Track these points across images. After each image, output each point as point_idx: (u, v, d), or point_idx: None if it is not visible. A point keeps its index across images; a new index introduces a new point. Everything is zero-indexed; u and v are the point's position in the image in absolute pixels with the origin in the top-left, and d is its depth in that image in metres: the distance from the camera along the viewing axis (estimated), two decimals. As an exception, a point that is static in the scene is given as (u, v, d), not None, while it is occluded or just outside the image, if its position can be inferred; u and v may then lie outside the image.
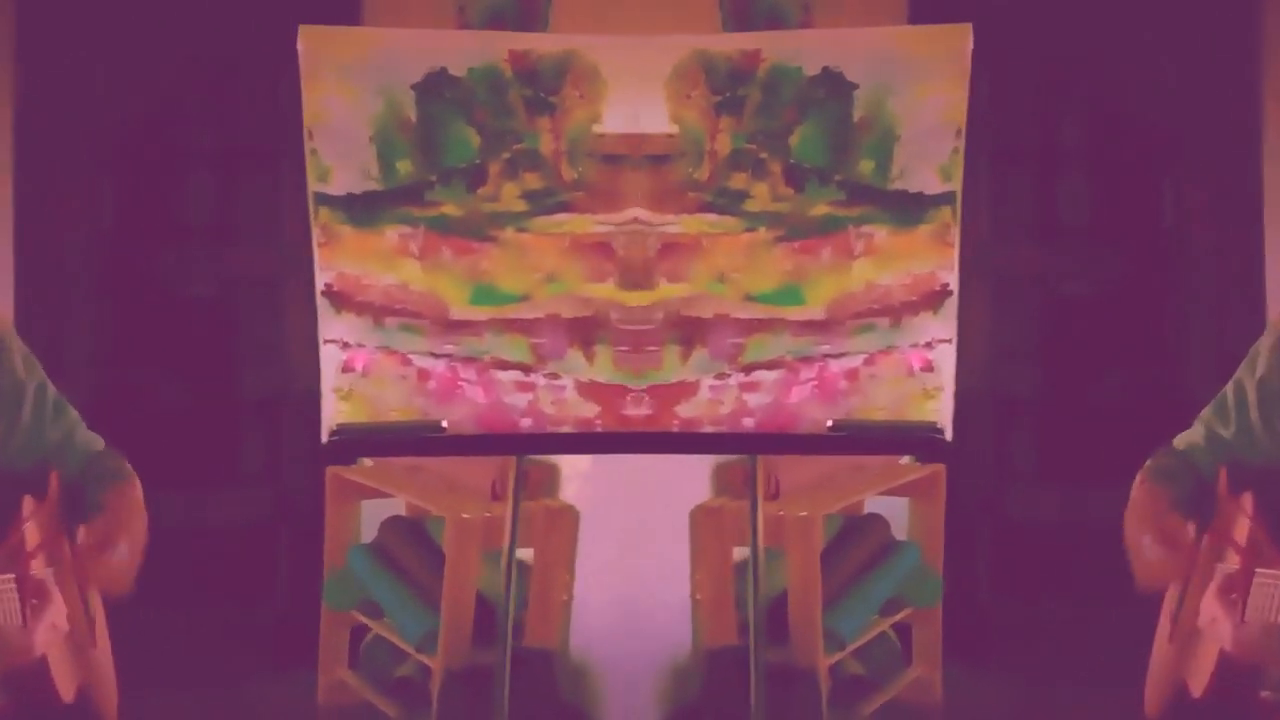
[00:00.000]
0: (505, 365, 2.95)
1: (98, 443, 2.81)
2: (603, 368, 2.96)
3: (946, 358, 2.92)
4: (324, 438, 2.87)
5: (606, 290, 2.96)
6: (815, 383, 2.95)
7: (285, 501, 4.27)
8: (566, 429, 2.94)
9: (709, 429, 2.95)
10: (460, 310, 2.95)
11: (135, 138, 4.01)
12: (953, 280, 2.91)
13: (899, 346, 2.93)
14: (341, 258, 2.93)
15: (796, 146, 2.93)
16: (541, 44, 2.97)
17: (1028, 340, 3.23)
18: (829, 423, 2.93)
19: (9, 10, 3.63)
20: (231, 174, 3.74)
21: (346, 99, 2.91)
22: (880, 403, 2.93)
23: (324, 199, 2.92)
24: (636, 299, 2.95)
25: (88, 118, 3.89)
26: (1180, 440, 2.83)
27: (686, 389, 2.97)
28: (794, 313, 2.95)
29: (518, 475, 3.11)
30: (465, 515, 3.73)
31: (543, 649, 3.79)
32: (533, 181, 2.96)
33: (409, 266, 2.95)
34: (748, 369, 2.96)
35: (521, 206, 2.96)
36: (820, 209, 2.94)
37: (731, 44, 2.96)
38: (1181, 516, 2.70)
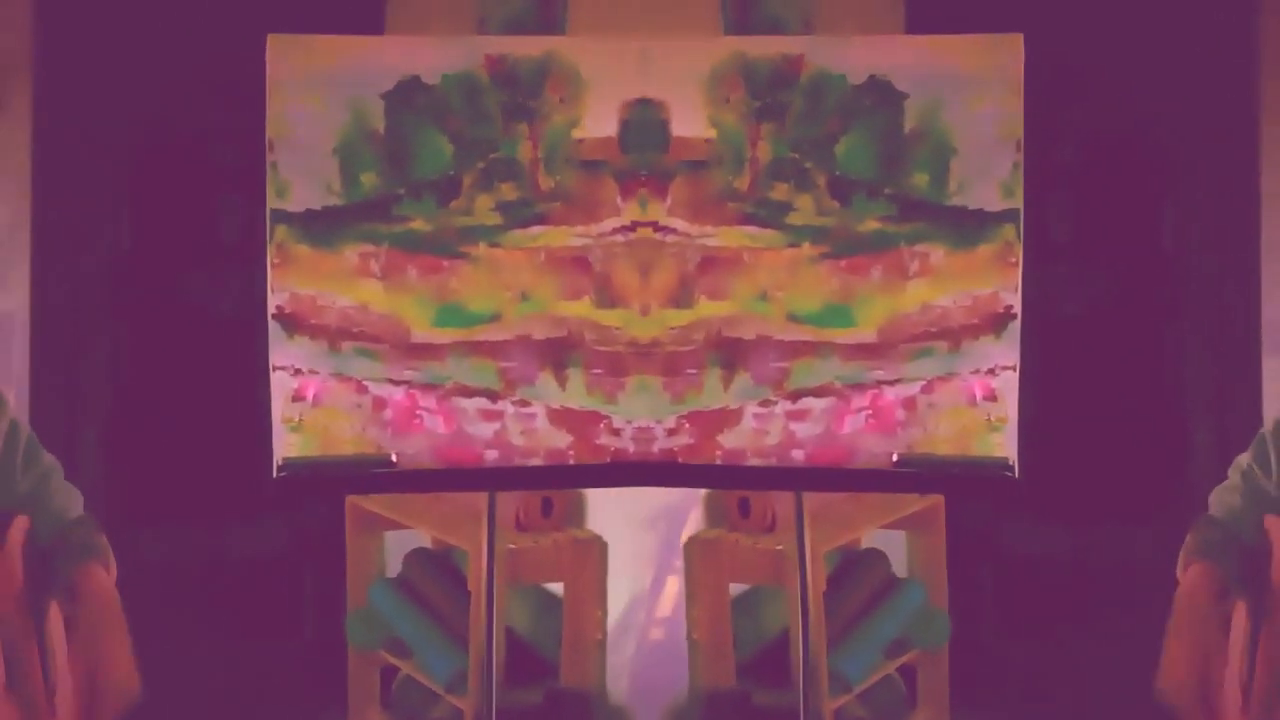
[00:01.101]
0: (469, 392, 2.76)
1: (75, 504, 2.52)
2: (575, 393, 2.77)
3: (1010, 386, 2.73)
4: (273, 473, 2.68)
5: (581, 308, 2.78)
6: (869, 412, 2.75)
7: (309, 533, 4.13)
8: (536, 461, 2.74)
9: (754, 461, 2.76)
10: (423, 333, 2.77)
11: (154, 152, 3.91)
12: (1016, 302, 2.73)
13: (959, 373, 2.74)
14: (296, 279, 2.75)
15: (842, 157, 2.77)
16: (520, 47, 2.82)
17: (1030, 368, 3.03)
18: (894, 457, 2.74)
19: (26, 23, 3.54)
20: (256, 191, 3.57)
21: (311, 110, 2.76)
22: (942, 435, 2.74)
23: (281, 216, 2.76)
24: (674, 318, 2.79)
25: (107, 132, 3.79)
26: (1217, 503, 2.52)
27: (729, 417, 2.79)
28: (842, 335, 2.76)
29: (490, 512, 2.91)
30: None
31: (579, 690, 3.62)
32: (508, 192, 2.79)
33: (369, 287, 2.77)
34: (794, 396, 2.77)
35: (495, 219, 2.79)
36: (869, 224, 2.77)
37: (773, 47, 2.81)
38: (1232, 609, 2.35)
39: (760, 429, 2.75)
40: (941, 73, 2.75)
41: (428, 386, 2.73)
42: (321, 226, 2.74)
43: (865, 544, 3.86)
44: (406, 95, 2.76)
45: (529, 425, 2.73)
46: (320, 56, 2.76)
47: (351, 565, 3.80)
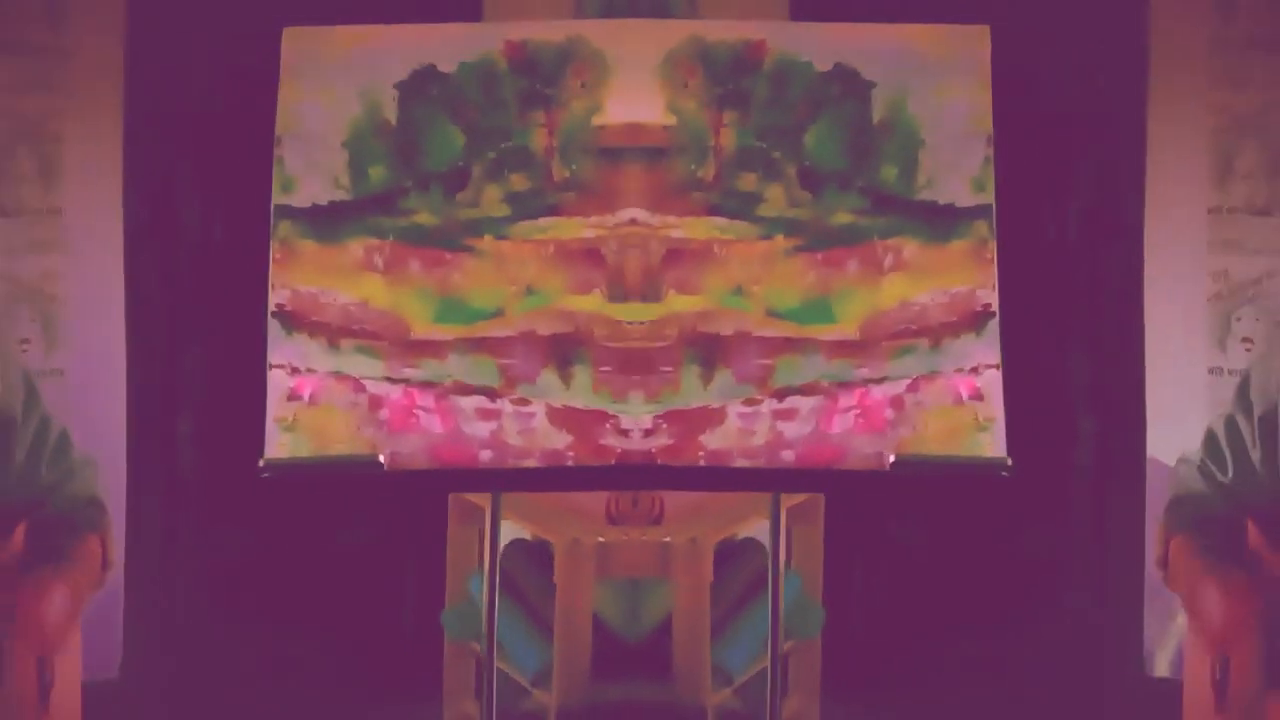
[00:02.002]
0: (468, 390, 2.70)
1: (90, 488, 2.57)
2: (580, 391, 2.68)
3: (995, 385, 2.66)
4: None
5: (592, 302, 2.70)
6: (858, 411, 2.68)
7: (414, 524, 4.14)
8: (531, 463, 2.67)
9: (741, 463, 2.67)
10: (423, 329, 2.70)
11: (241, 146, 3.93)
12: (994, 300, 2.67)
13: (943, 371, 2.69)
14: (298, 275, 2.69)
15: (812, 147, 2.71)
16: (542, 32, 2.75)
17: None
18: (890, 458, 2.65)
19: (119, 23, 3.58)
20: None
21: (322, 103, 2.71)
22: (931, 434, 2.65)
23: (285, 212, 2.72)
24: (637, 312, 2.69)
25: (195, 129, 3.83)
26: (1179, 488, 2.60)
27: (712, 416, 2.69)
28: (825, 331, 2.70)
29: (494, 513, 2.85)
30: (577, 539, 3.52)
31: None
32: (519, 183, 2.73)
33: (371, 282, 2.72)
34: (780, 394, 2.68)
35: (503, 211, 2.72)
36: (842, 217, 2.72)
37: (732, 32, 2.74)
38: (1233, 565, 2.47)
39: (746, 429, 2.67)
40: (907, 62, 2.71)
41: (426, 385, 2.67)
42: (326, 221, 2.69)
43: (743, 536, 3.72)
44: (421, 84, 2.69)
45: (527, 425, 2.67)
46: (335, 48, 2.70)
47: (451, 557, 3.79)
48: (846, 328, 2.68)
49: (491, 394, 2.67)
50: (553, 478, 2.68)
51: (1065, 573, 3.52)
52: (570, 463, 2.64)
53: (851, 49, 2.69)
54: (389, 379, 2.64)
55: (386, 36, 2.70)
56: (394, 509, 3.89)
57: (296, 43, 2.64)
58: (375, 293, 2.65)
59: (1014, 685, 3.12)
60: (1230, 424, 2.58)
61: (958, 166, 2.69)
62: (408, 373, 2.65)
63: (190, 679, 3.53)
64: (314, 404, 2.60)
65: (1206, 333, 3.33)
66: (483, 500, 3.50)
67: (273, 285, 2.62)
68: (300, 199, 2.64)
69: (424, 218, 2.68)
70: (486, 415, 2.67)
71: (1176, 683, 3.10)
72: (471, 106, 2.71)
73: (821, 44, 2.70)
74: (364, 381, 2.64)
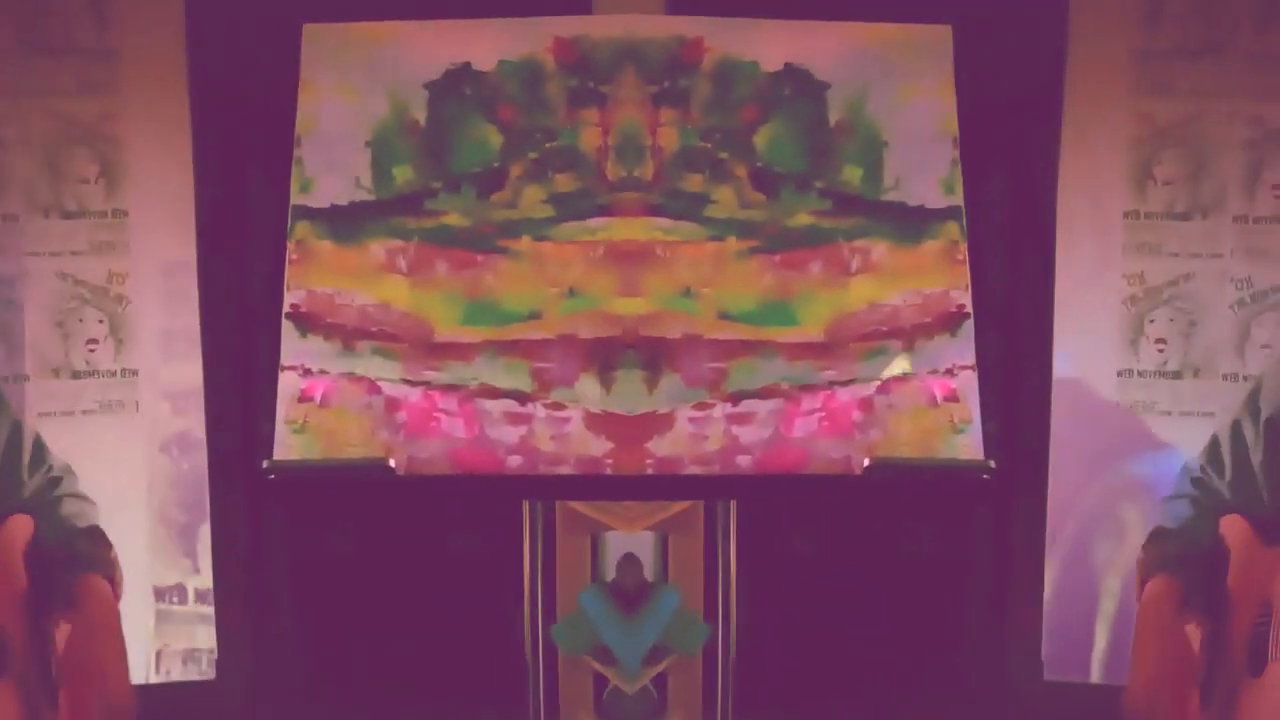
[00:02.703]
0: (495, 393, 2.56)
1: (86, 514, 2.42)
2: (623, 396, 2.55)
3: (971, 386, 2.56)
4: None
5: (640, 305, 2.59)
6: (822, 414, 2.55)
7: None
8: (565, 470, 2.53)
9: (694, 469, 2.54)
10: (448, 331, 2.59)
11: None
12: (968, 301, 2.58)
13: (917, 373, 2.58)
14: (314, 275, 2.60)
15: (764, 148, 2.62)
16: (597, 28, 2.65)
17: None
18: (865, 462, 2.49)
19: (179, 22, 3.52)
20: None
21: (345, 102, 2.62)
22: (903, 437, 2.53)
23: (303, 212, 2.62)
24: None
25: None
26: (1167, 514, 2.43)
27: (658, 421, 2.57)
28: (785, 334, 2.58)
29: (532, 521, 2.70)
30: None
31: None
32: (564, 183, 2.63)
33: (394, 284, 2.61)
34: (734, 398, 2.55)
35: (546, 212, 2.61)
36: (802, 218, 2.62)
37: (663, 28, 2.65)
38: (1191, 619, 2.33)
39: (698, 434, 2.54)
40: (864, 63, 2.62)
41: (449, 388, 2.55)
42: (346, 221, 2.59)
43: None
44: (454, 83, 2.60)
45: (560, 430, 2.52)
46: (358, 46, 2.61)
47: (562, 569, 3.69)
48: (810, 330, 2.57)
49: (522, 398, 2.52)
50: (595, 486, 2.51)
51: (966, 579, 3.43)
52: (609, 471, 2.47)
53: (802, 49, 2.61)
54: (407, 381, 2.51)
55: (416, 34, 2.58)
56: (495, 515, 3.77)
57: (317, 40, 2.53)
58: (397, 294, 2.53)
59: (914, 696, 3.04)
60: (1236, 429, 2.40)
61: (925, 168, 2.62)
62: (429, 375, 2.52)
63: (285, 679, 3.48)
64: (325, 406, 2.50)
65: (1119, 335, 3.27)
66: (592, 510, 3.39)
67: (288, 286, 2.49)
68: (319, 199, 2.53)
69: (453, 219, 2.57)
70: (516, 420, 2.53)
71: (1076, 686, 3.15)
72: (510, 105, 2.63)
73: (769, 43, 2.62)
74: (380, 383, 2.51)
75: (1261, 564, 2.26)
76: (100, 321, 3.31)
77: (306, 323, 2.53)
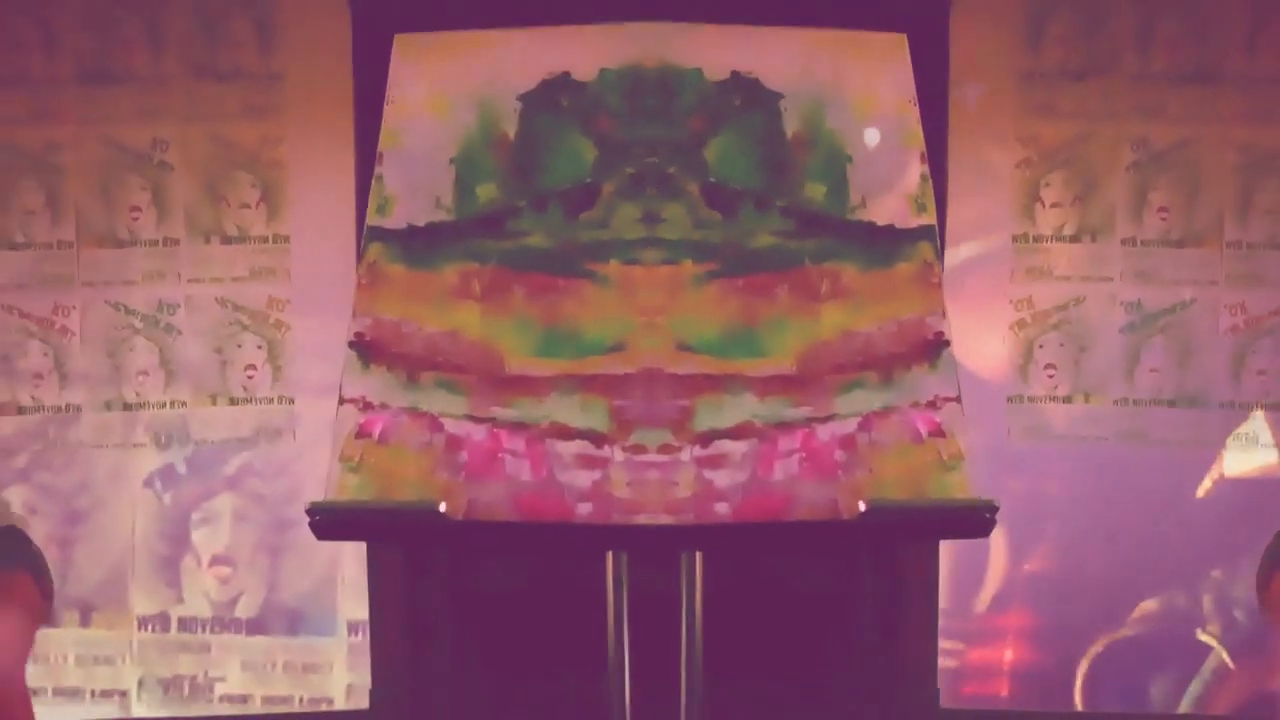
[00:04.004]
0: (569, 434, 2.31)
1: (6, 515, 2.38)
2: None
3: (958, 419, 2.33)
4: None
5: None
6: (802, 454, 2.29)
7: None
8: (643, 519, 2.26)
9: (665, 520, 2.25)
10: (520, 363, 2.35)
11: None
12: (946, 328, 2.37)
13: (898, 407, 2.33)
14: (383, 302, 2.40)
15: (715, 162, 2.38)
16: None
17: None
18: (861, 506, 2.24)
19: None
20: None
21: (433, 116, 2.42)
22: (890, 477, 2.30)
23: (377, 234, 2.43)
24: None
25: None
26: None
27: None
28: (753, 367, 2.32)
29: (617, 574, 2.42)
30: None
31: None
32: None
33: (465, 311, 2.39)
34: (703, 439, 2.27)
35: (639, 232, 2.35)
36: (763, 239, 2.37)
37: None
38: None
39: (665, 479, 2.27)
40: (817, 73, 2.40)
41: (517, 426, 2.30)
42: (422, 244, 2.39)
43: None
44: (550, 94, 2.38)
45: (640, 475, 2.25)
46: (451, 56, 2.42)
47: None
48: (781, 361, 2.30)
49: (598, 439, 2.26)
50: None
51: (859, 608, 3.25)
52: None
53: (749, 56, 2.38)
54: (472, 417, 2.27)
55: (513, 43, 2.36)
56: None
57: (409, 51, 2.32)
58: (468, 322, 2.32)
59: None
60: None
61: (893, 185, 2.39)
62: (496, 412, 2.27)
63: (441, 712, 3.36)
64: (383, 443, 2.28)
65: (1008, 361, 3.17)
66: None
67: (355, 313, 2.29)
68: (395, 220, 2.33)
69: (536, 240, 2.35)
70: (589, 463, 2.27)
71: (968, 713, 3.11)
72: (609, 117, 2.42)
73: (712, 51, 2.39)
74: (442, 419, 2.28)
75: None
76: (259, 348, 3.20)
77: (370, 352, 2.34)
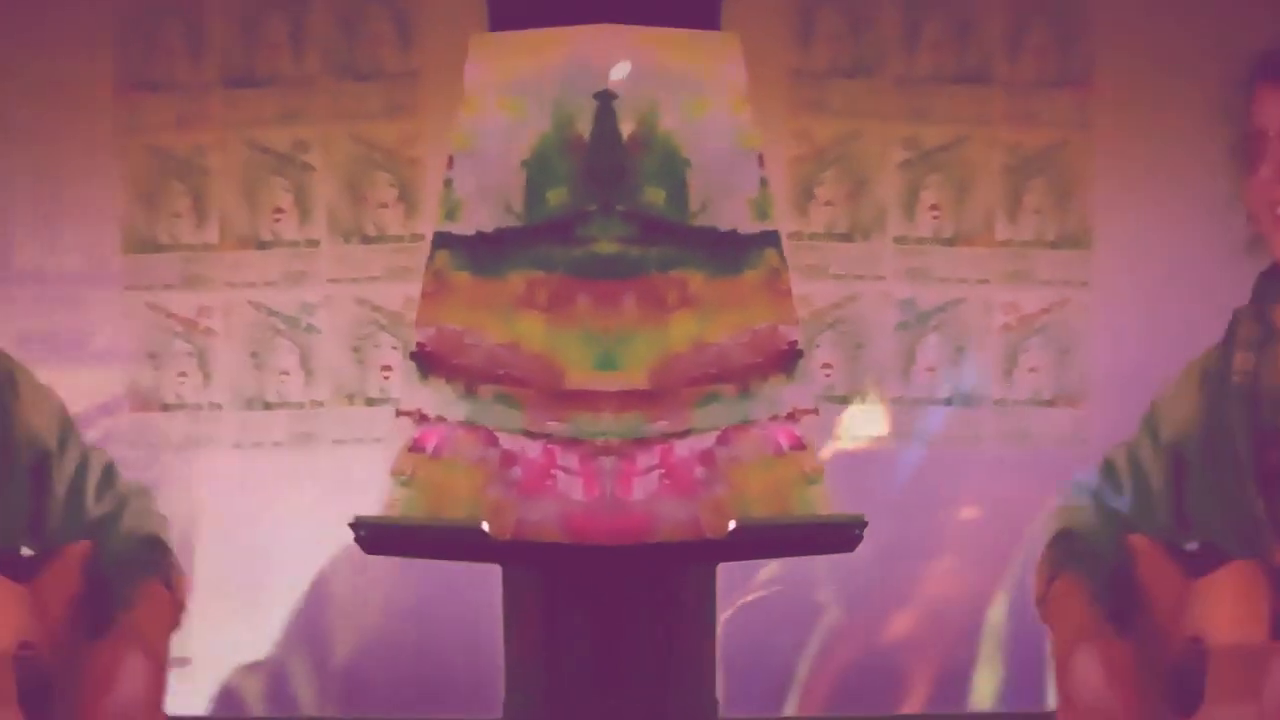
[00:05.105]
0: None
1: (151, 523, 2.33)
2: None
3: (816, 432, 2.35)
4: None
5: None
6: (662, 471, 2.22)
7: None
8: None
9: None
10: (579, 377, 2.26)
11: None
12: (799, 336, 2.36)
13: (757, 420, 2.29)
14: (448, 311, 2.34)
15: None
16: None
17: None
18: (731, 525, 2.21)
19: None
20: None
21: (506, 117, 2.35)
22: (753, 493, 2.26)
23: (445, 240, 2.36)
24: None
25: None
26: (1069, 520, 2.19)
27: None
28: (604, 380, 2.23)
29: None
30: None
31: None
32: None
33: (529, 321, 2.30)
34: None
35: None
36: (605, 246, 2.26)
37: None
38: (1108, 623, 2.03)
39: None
40: (648, 71, 2.29)
41: (572, 442, 2.21)
42: (489, 250, 2.32)
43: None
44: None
45: None
46: (527, 55, 2.34)
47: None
48: (633, 375, 2.22)
49: None
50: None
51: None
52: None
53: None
54: (528, 433, 2.18)
55: (592, 40, 2.26)
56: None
57: (484, 50, 2.25)
58: (531, 333, 2.24)
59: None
60: (1132, 453, 2.20)
61: (732, 189, 2.30)
62: (552, 426, 2.17)
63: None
64: (437, 457, 2.21)
65: None
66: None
67: (418, 323, 2.23)
68: (464, 225, 2.27)
69: (604, 245, 2.25)
70: (646, 483, 2.17)
71: None
72: None
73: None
74: (498, 434, 2.19)
75: (1180, 594, 2.03)
76: (394, 348, 3.18)
77: (430, 364, 2.27)
